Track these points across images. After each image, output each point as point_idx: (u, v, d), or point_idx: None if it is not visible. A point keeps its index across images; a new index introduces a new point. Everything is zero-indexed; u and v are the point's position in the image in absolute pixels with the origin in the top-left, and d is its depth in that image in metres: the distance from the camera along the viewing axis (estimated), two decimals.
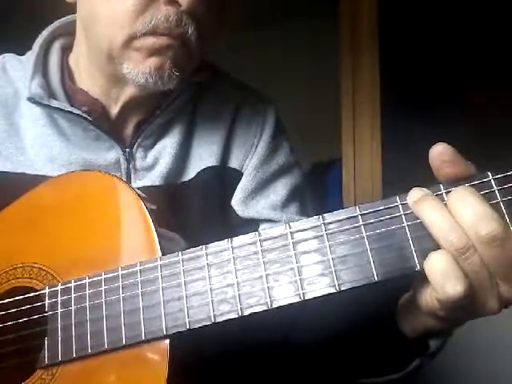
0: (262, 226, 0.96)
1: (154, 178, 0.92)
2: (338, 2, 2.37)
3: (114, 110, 0.94)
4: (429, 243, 0.58)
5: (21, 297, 0.74)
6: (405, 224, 0.59)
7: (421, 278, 0.60)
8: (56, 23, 0.99)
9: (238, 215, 0.97)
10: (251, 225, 0.97)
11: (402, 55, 2.33)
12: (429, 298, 0.60)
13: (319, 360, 0.82)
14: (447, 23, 2.32)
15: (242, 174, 0.98)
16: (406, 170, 2.14)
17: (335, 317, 0.78)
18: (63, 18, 0.99)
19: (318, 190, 2.56)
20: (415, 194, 0.59)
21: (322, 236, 0.62)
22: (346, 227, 0.61)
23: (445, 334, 0.72)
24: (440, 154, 0.58)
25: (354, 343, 0.78)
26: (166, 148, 0.94)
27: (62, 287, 0.71)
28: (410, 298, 0.67)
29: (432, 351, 0.73)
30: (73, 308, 0.70)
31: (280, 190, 0.99)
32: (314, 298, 0.61)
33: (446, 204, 0.58)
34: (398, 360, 0.75)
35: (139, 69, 0.84)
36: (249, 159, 0.99)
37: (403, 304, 0.70)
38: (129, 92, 0.91)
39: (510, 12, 2.18)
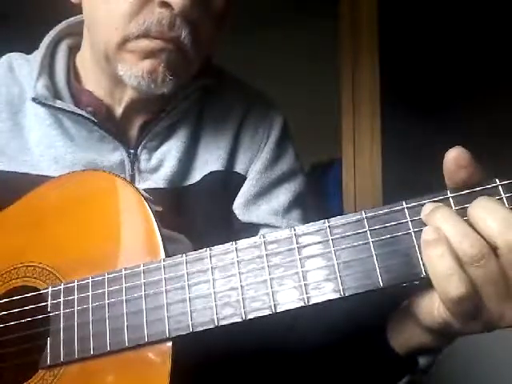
0: (261, 231, 0.95)
1: (158, 181, 0.92)
2: (338, 2, 2.37)
3: (118, 111, 0.94)
4: None
5: (23, 296, 0.74)
6: (411, 230, 0.59)
7: (425, 288, 0.60)
8: (63, 23, 0.99)
9: (238, 219, 0.97)
10: (251, 229, 0.96)
11: (402, 55, 2.33)
12: (442, 308, 0.59)
13: (314, 366, 0.82)
14: (448, 23, 2.32)
15: (246, 179, 0.98)
16: (405, 170, 2.15)
17: (328, 325, 0.78)
18: (71, 18, 0.99)
19: (317, 191, 2.56)
20: (428, 207, 0.58)
21: (327, 241, 0.61)
22: (351, 232, 0.61)
23: (435, 352, 0.71)
24: (456, 158, 0.58)
25: (343, 354, 0.78)
26: (171, 150, 0.94)
27: (65, 287, 0.71)
28: (405, 312, 0.67)
29: (421, 368, 0.73)
30: (75, 309, 0.70)
31: (282, 195, 0.98)
32: (319, 303, 0.61)
33: (457, 211, 0.58)
34: (388, 375, 0.75)
35: (132, 71, 0.84)
36: (253, 164, 0.98)
37: (397, 319, 0.70)
38: (129, 93, 0.91)
39: (511, 12, 2.18)
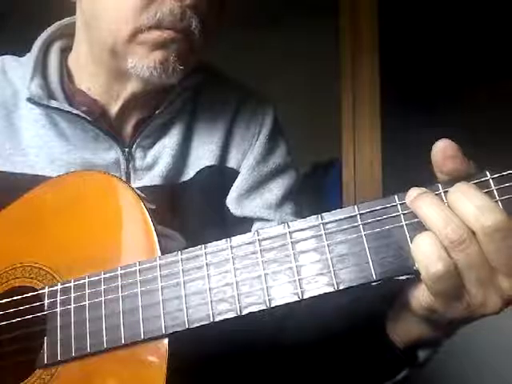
0: (255, 225, 0.97)
1: (153, 178, 0.93)
2: (339, 2, 2.37)
3: (114, 109, 0.94)
4: None
5: (20, 296, 0.74)
6: (403, 223, 0.59)
7: (416, 280, 0.60)
8: (55, 25, 0.99)
9: (231, 213, 0.98)
10: (245, 223, 0.97)
11: (402, 55, 2.33)
12: (426, 294, 0.60)
13: (309, 362, 0.82)
14: (447, 23, 2.32)
15: (239, 173, 0.99)
16: (405, 170, 2.15)
17: (325, 321, 0.78)
18: (62, 20, 1.00)
19: (317, 190, 2.56)
20: (413, 193, 0.59)
21: (320, 235, 0.62)
22: (344, 226, 0.61)
23: (434, 345, 0.72)
24: (444, 148, 0.59)
25: (341, 349, 0.78)
26: (166, 148, 0.95)
27: (62, 287, 0.72)
28: (402, 304, 0.67)
29: (420, 361, 0.73)
30: (72, 307, 0.70)
31: (275, 189, 0.99)
32: (313, 297, 0.61)
33: (445, 200, 0.58)
34: (387, 369, 0.75)
35: (144, 62, 0.85)
36: (246, 159, 0.99)
37: (395, 312, 0.70)
38: (130, 88, 0.92)
39: (510, 11, 2.18)
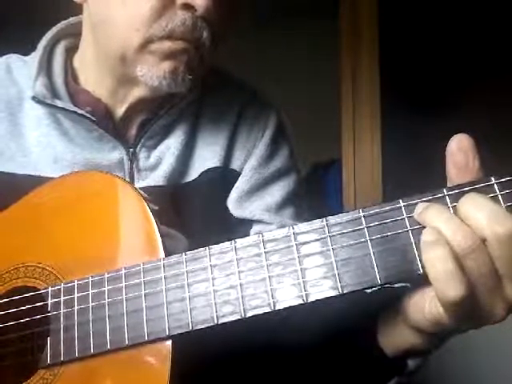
0: (254, 227, 0.96)
1: (157, 178, 0.93)
2: (338, 2, 2.37)
3: (120, 111, 0.94)
4: None
5: (23, 296, 0.74)
6: (408, 227, 0.59)
7: (416, 287, 0.61)
8: (60, 24, 0.99)
9: (231, 214, 0.98)
10: (244, 225, 0.97)
11: (402, 55, 2.33)
12: (433, 306, 0.59)
13: (303, 365, 0.82)
14: (447, 23, 2.32)
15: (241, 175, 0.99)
16: (405, 170, 2.15)
17: (318, 326, 0.78)
18: (68, 20, 0.99)
19: (317, 190, 2.57)
20: (420, 207, 0.59)
21: (325, 239, 0.62)
22: (349, 230, 0.61)
23: (424, 354, 0.72)
24: (459, 139, 0.60)
25: (333, 355, 0.78)
26: (170, 148, 0.95)
27: (65, 287, 0.71)
28: (396, 312, 0.67)
29: (410, 370, 0.73)
30: (75, 308, 0.70)
31: (276, 192, 0.99)
32: (317, 300, 0.61)
33: (453, 208, 0.58)
34: (376, 376, 0.75)
35: (153, 72, 0.85)
36: (248, 160, 0.99)
37: (388, 320, 0.70)
38: (137, 93, 0.92)
39: (510, 11, 2.19)
